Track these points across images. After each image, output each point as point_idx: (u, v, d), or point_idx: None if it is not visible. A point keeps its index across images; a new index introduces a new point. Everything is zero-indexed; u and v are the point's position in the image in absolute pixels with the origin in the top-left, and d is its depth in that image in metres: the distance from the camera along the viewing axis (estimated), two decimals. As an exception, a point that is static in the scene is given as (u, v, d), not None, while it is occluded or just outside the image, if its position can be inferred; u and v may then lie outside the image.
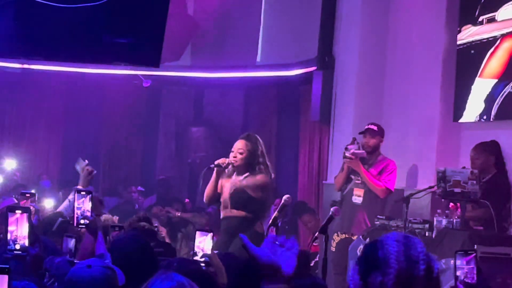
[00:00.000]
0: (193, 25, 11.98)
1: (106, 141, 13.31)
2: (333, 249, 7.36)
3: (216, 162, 6.67)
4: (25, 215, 3.00)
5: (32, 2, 5.36)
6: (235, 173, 6.64)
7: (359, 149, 7.36)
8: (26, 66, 11.47)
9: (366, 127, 7.55)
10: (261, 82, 11.39)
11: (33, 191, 4.97)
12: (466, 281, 3.75)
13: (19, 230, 2.99)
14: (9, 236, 3.00)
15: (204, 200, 6.87)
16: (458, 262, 3.86)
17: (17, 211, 3.01)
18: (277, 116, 11.83)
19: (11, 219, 2.99)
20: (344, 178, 7.46)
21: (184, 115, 13.21)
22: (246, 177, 6.59)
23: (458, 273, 3.86)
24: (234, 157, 6.61)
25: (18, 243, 2.99)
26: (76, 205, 4.16)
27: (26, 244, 3.01)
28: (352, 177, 7.41)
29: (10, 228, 2.99)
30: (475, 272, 3.80)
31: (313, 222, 8.98)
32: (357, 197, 7.35)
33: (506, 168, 6.74)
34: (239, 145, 6.67)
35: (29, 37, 5.56)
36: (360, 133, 7.57)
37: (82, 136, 12.93)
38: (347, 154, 7.32)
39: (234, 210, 6.58)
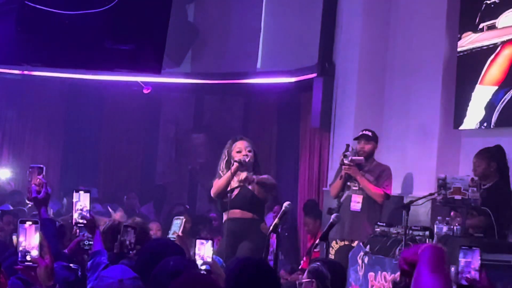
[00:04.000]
0: (193, 32, 12.00)
1: (106, 148, 13.30)
2: (332, 256, 7.33)
3: (237, 159, 6.59)
4: (34, 226, 2.99)
5: (33, 8, 5.36)
6: (238, 173, 6.58)
7: (355, 155, 7.36)
8: (26, 72, 11.47)
9: (361, 133, 7.57)
10: (261, 88, 11.39)
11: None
12: (468, 276, 3.72)
13: (30, 241, 2.98)
14: (19, 247, 2.99)
15: (213, 193, 6.79)
16: (462, 258, 3.79)
17: (27, 222, 3.00)
18: (277, 122, 11.83)
19: (22, 229, 2.98)
20: (341, 185, 7.44)
21: (184, 122, 13.21)
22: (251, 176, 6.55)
23: (460, 268, 3.82)
24: (245, 155, 6.55)
25: (29, 254, 2.98)
26: (74, 204, 4.27)
27: (37, 255, 3.00)
28: (349, 183, 7.40)
29: (20, 239, 2.99)
30: (477, 268, 3.75)
31: (311, 226, 8.95)
32: (357, 203, 7.34)
33: (508, 175, 6.71)
34: (245, 144, 6.61)
35: (30, 44, 5.55)
36: (355, 139, 7.58)
37: (82, 143, 12.93)
38: (345, 161, 7.32)
39: (240, 211, 6.52)
